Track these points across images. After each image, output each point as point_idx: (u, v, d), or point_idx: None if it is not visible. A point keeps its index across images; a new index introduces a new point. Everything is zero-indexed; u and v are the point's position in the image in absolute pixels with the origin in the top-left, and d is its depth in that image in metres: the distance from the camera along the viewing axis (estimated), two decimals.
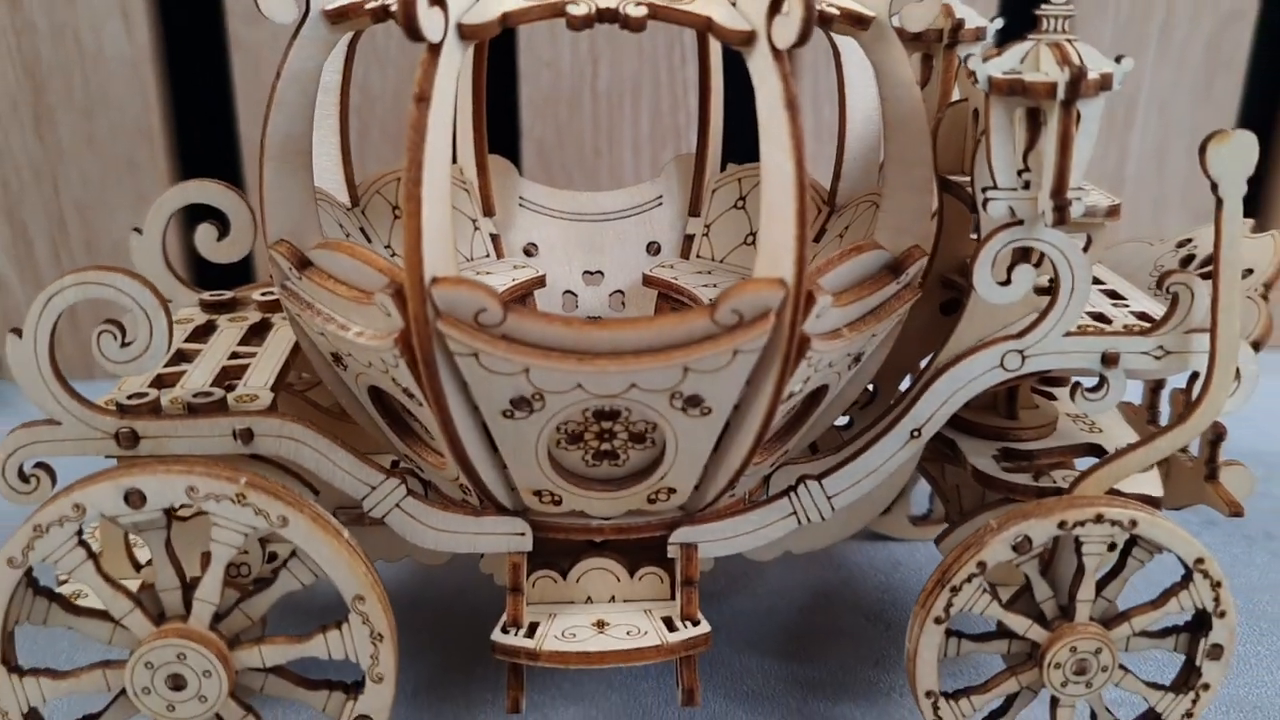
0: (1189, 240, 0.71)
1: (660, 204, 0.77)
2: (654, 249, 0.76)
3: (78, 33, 1.06)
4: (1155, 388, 0.73)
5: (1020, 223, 0.56)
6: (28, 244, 1.11)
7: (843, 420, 0.72)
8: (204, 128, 1.16)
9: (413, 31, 0.48)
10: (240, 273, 0.96)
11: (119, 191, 1.11)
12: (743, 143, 0.57)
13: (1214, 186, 0.56)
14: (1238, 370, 0.59)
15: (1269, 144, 1.24)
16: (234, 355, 0.63)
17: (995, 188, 0.55)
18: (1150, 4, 1.14)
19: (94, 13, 1.05)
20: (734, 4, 0.52)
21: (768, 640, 0.74)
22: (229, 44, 1.11)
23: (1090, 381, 0.61)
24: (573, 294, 0.74)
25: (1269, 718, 0.67)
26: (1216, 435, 0.66)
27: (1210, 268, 0.62)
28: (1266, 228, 1.27)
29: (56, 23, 1.06)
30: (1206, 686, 0.60)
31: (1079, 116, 0.54)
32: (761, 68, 0.50)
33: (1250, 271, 0.64)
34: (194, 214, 0.70)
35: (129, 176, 1.11)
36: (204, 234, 0.70)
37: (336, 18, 0.55)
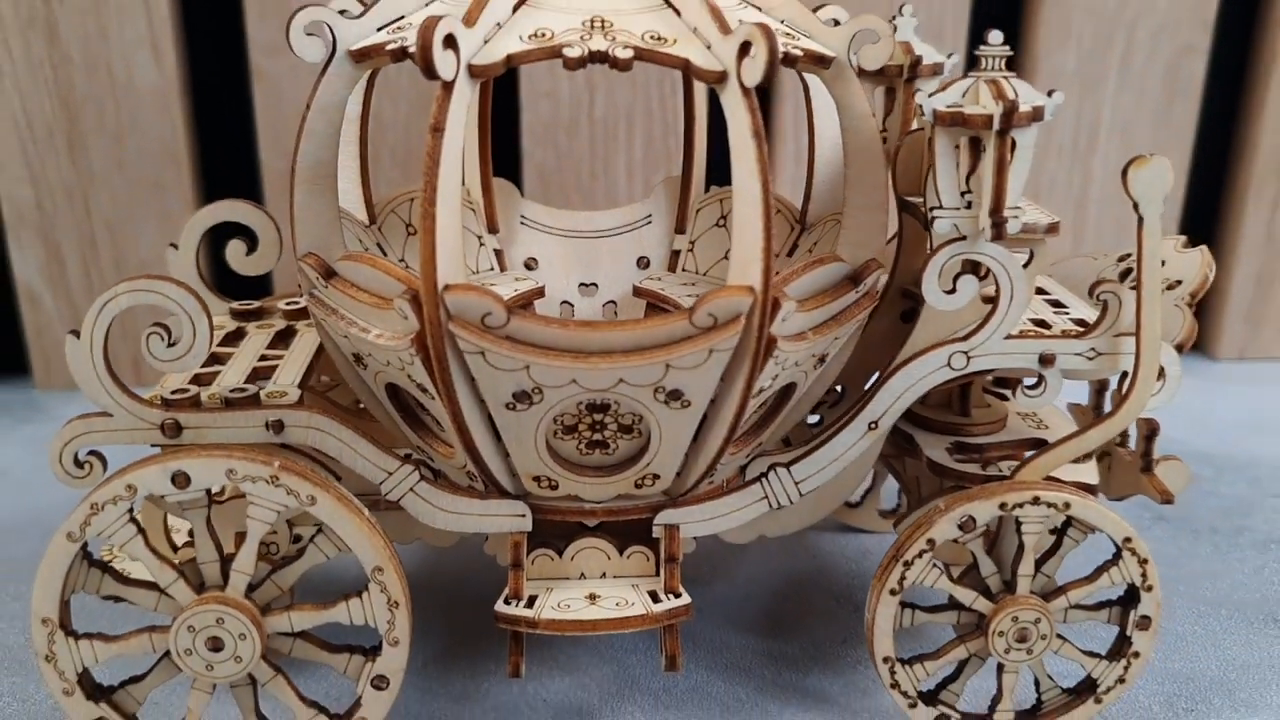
0: (1129, 255, 0.77)
1: (649, 222, 0.82)
2: (644, 263, 0.81)
3: (110, 65, 1.11)
4: (1100, 389, 0.80)
5: (964, 238, 0.63)
6: (60, 263, 1.16)
7: (815, 419, 0.79)
8: (227, 152, 1.20)
9: (429, 71, 0.54)
10: (259, 286, 1.03)
11: (146, 213, 1.16)
12: (725, 167, 0.63)
13: (1135, 205, 0.62)
14: (1163, 370, 0.66)
15: (1223, 167, 1.30)
16: (263, 357, 0.69)
17: (941, 207, 0.62)
18: (1111, 37, 1.19)
19: (125, 46, 1.10)
20: (709, 47, 0.58)
21: (745, 620, 0.80)
22: (251, 75, 1.15)
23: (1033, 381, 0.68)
24: (569, 304, 0.80)
25: (1200, 688, 0.74)
26: (1151, 431, 0.73)
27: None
28: (1225, 243, 1.34)
29: (90, 55, 1.11)
30: (1137, 654, 0.67)
31: (1014, 144, 0.60)
32: (732, 102, 0.57)
33: (1179, 283, 0.71)
34: (221, 231, 0.76)
35: (156, 198, 1.16)
36: (234, 249, 0.77)
37: (360, 57, 0.60)
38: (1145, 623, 0.66)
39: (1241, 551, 0.90)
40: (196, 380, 0.65)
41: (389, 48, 0.59)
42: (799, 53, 0.61)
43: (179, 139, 1.15)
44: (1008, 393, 0.77)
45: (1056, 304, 0.72)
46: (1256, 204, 1.26)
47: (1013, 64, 1.18)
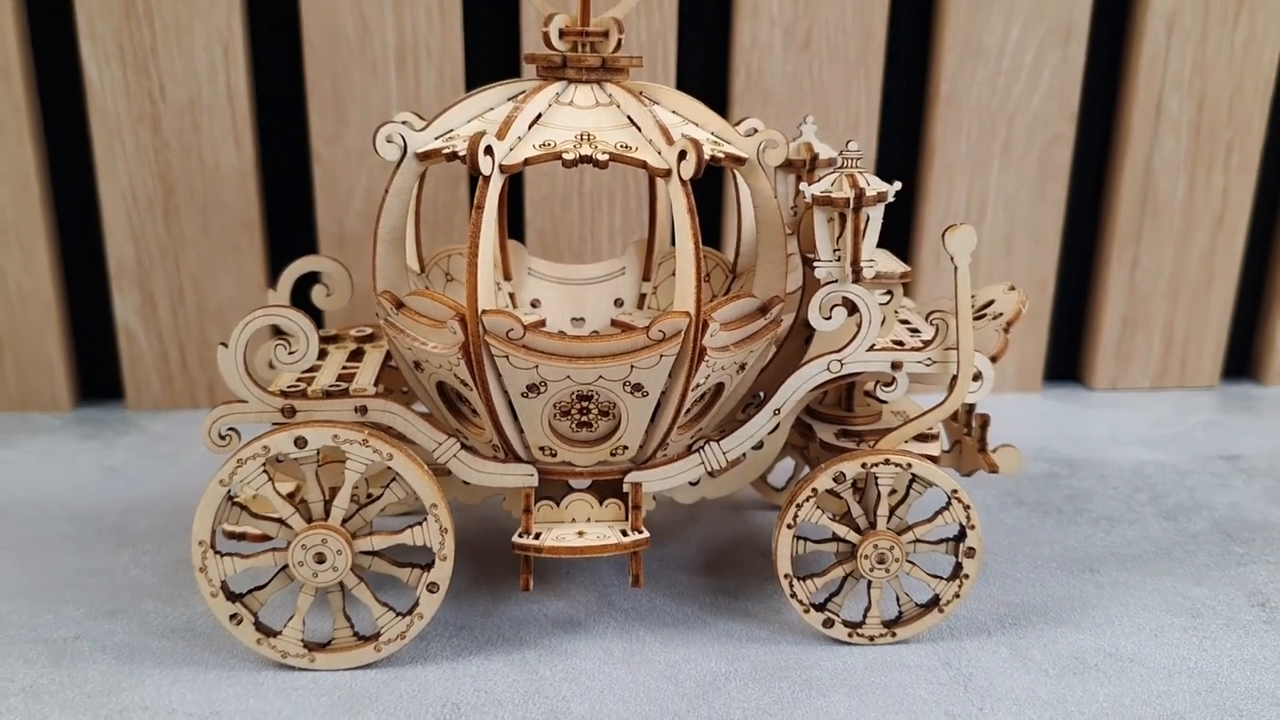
0: (972, 296, 1.05)
1: (624, 273, 1.01)
2: (619, 303, 1.00)
3: (200, 152, 1.30)
4: None
5: (836, 281, 0.90)
6: (153, 307, 1.35)
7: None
8: (291, 222, 1.38)
9: (474, 169, 0.81)
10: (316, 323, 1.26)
11: (224, 269, 1.34)
12: None
13: (951, 258, 0.90)
14: (983, 373, 0.93)
15: (1092, 233, 1.54)
16: (344, 367, 0.94)
17: (820, 260, 0.90)
18: (994, 128, 1.40)
19: (214, 137, 1.30)
20: (660, 152, 0.85)
21: (694, 566, 1.00)
22: (312, 159, 1.33)
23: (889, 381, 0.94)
24: (564, 333, 1.06)
25: (1024, 611, 0.96)
26: (984, 422, 0.99)
27: (982, 309, 0.96)
28: (1096, 295, 1.62)
29: (185, 144, 1.30)
30: (968, 576, 0.92)
31: (867, 217, 0.88)
32: (674, 190, 0.81)
33: (1001, 314, 0.99)
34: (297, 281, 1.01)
35: (233, 258, 1.34)
36: (318, 292, 1.04)
37: (424, 157, 0.80)
38: (971, 552, 0.92)
39: (1078, 526, 1.15)
40: (300, 380, 0.92)
41: (445, 152, 0.82)
42: (722, 155, 0.86)
43: (253, 211, 1.33)
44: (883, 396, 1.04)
45: (915, 330, 0.99)
46: (1119, 263, 1.51)
47: (915, 149, 1.49)
